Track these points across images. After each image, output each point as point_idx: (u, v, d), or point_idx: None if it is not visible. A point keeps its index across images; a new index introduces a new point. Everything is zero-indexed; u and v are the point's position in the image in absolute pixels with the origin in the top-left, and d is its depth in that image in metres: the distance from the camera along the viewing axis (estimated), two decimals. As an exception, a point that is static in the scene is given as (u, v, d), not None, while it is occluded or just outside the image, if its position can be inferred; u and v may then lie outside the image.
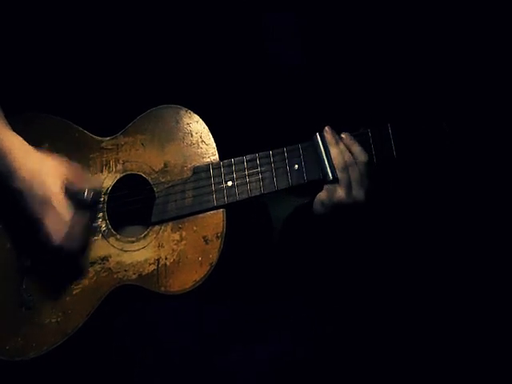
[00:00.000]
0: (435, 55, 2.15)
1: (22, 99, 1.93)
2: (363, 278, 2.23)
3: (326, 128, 1.84)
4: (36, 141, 1.86)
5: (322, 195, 1.84)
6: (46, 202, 1.76)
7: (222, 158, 1.89)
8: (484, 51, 2.08)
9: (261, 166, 1.87)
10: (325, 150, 1.83)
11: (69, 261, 1.85)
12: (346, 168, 1.80)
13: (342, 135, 1.84)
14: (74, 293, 1.87)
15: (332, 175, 1.81)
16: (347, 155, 1.81)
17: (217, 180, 1.87)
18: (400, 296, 2.25)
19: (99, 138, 1.93)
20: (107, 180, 1.90)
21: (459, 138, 1.82)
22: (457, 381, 2.20)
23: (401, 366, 2.19)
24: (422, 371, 2.19)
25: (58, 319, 1.86)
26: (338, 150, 1.81)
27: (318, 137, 1.84)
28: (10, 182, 1.78)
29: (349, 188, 1.80)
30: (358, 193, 1.80)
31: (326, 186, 1.84)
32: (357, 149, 1.81)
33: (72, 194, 1.79)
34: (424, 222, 2.24)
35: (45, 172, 1.78)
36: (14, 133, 1.83)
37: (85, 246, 1.85)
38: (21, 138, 1.82)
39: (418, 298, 2.25)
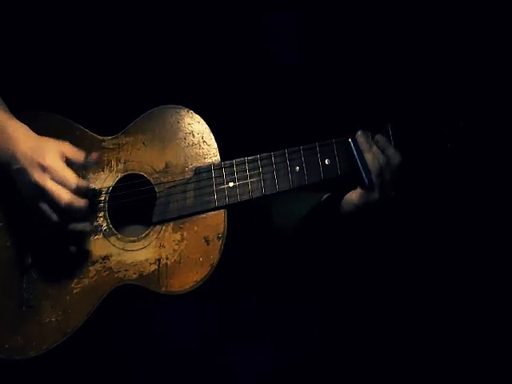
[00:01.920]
0: (436, 57, 2.15)
1: (24, 98, 1.93)
2: (365, 280, 2.24)
3: (359, 132, 1.83)
4: (37, 139, 1.87)
5: (356, 197, 1.84)
6: (46, 169, 1.78)
7: (223, 158, 1.89)
8: (484, 53, 2.09)
9: (262, 167, 1.87)
10: (358, 155, 1.82)
11: (65, 254, 1.84)
12: (380, 172, 1.80)
13: (377, 137, 1.83)
14: (75, 292, 1.87)
15: (368, 181, 1.81)
16: (381, 158, 1.81)
17: (218, 181, 1.87)
18: (401, 298, 2.25)
19: (100, 137, 1.93)
20: (108, 179, 1.90)
21: (459, 139, 1.83)
22: (457, 381, 2.21)
23: (402, 368, 2.20)
24: (422, 373, 2.20)
25: (58, 318, 1.86)
26: (372, 155, 1.81)
27: (351, 142, 1.83)
28: (13, 164, 1.80)
29: (383, 190, 1.81)
30: (391, 193, 1.82)
31: (360, 191, 1.83)
32: (391, 151, 1.81)
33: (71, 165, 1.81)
34: (424, 223, 2.25)
35: (44, 147, 1.80)
36: (18, 122, 1.84)
37: (83, 235, 1.84)
38: (25, 126, 1.84)
39: (420, 300, 2.25)
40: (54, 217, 1.80)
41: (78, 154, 1.82)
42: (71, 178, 1.79)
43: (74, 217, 1.81)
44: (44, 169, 1.78)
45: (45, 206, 1.79)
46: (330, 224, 1.91)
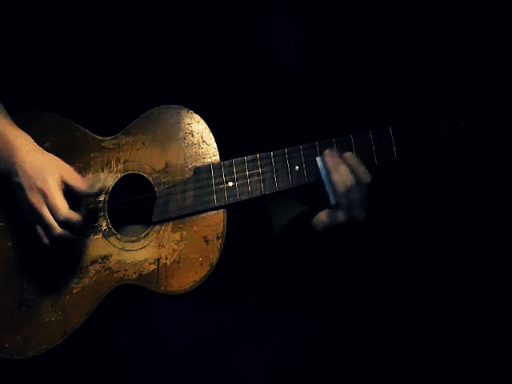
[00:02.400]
0: (437, 58, 2.15)
1: (24, 98, 1.94)
2: (362, 283, 2.23)
3: (326, 152, 1.81)
4: (37, 139, 1.88)
5: (323, 217, 1.82)
6: (43, 193, 1.79)
7: (222, 158, 1.89)
8: (485, 53, 2.08)
9: (261, 166, 1.87)
10: (326, 175, 1.80)
11: (65, 254, 1.85)
12: (347, 192, 1.78)
13: (346, 155, 1.81)
14: (74, 292, 1.87)
15: (334, 200, 1.79)
16: (349, 178, 1.78)
17: (217, 180, 1.87)
18: (398, 300, 2.25)
19: (100, 138, 1.93)
20: (108, 179, 1.91)
21: (460, 140, 1.82)
22: (457, 381, 2.20)
23: (400, 368, 2.19)
24: (421, 374, 2.20)
25: (58, 318, 1.86)
26: (339, 175, 1.78)
27: (319, 161, 1.82)
28: (13, 176, 1.82)
29: (350, 210, 1.78)
30: (359, 213, 1.78)
31: (327, 211, 1.82)
32: (361, 170, 1.79)
33: (68, 193, 1.82)
34: (424, 224, 2.24)
35: (45, 169, 1.81)
36: (19, 129, 1.86)
37: (83, 240, 1.85)
38: (26, 134, 1.85)
39: (417, 303, 2.25)
40: (46, 240, 1.82)
41: (78, 183, 1.83)
42: (62, 209, 1.79)
43: (66, 241, 1.83)
44: (42, 193, 1.79)
45: (39, 229, 1.82)
46: (303, 239, 1.91)
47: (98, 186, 1.86)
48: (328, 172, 1.80)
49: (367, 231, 1.84)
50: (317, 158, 1.83)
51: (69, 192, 1.83)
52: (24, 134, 1.85)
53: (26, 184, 1.80)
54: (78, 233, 1.84)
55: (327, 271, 2.14)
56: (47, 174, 1.80)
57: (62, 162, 1.85)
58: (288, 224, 1.95)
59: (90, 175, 1.91)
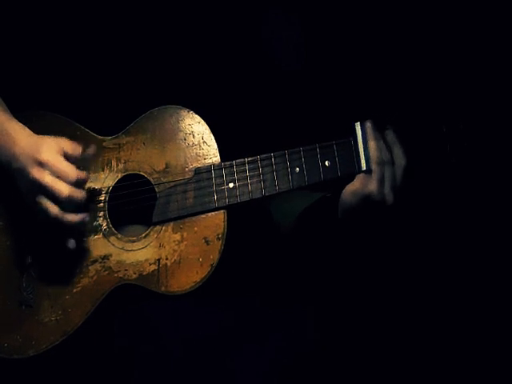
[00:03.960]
0: (436, 59, 2.15)
1: (24, 98, 1.93)
2: (364, 281, 2.24)
3: (369, 121, 1.81)
4: (37, 138, 1.87)
5: (355, 184, 1.82)
6: (44, 164, 1.77)
7: (223, 159, 1.89)
8: (484, 54, 2.09)
9: (262, 167, 1.87)
10: (363, 141, 1.80)
11: (70, 251, 1.85)
12: (381, 163, 1.78)
13: (387, 132, 1.81)
14: (74, 291, 1.87)
15: (366, 165, 1.80)
16: (385, 153, 1.79)
17: (218, 181, 1.88)
18: (400, 299, 2.26)
19: (101, 137, 1.93)
20: (108, 179, 1.91)
21: (459, 141, 1.83)
22: (457, 381, 2.22)
23: (400, 369, 2.20)
24: (422, 374, 2.21)
25: (58, 318, 1.86)
26: (377, 145, 1.79)
27: (358, 126, 1.82)
28: (13, 164, 1.80)
29: (381, 184, 1.78)
30: (389, 193, 1.78)
31: (358, 176, 1.82)
32: (398, 151, 1.80)
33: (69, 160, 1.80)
34: (424, 225, 2.25)
35: (41, 144, 1.79)
36: (19, 122, 1.85)
37: (82, 235, 1.85)
38: (24, 127, 1.84)
39: (419, 301, 2.26)
40: (55, 210, 1.78)
41: (75, 148, 1.81)
42: (70, 170, 1.78)
43: (74, 208, 1.80)
44: (42, 164, 1.77)
45: (44, 201, 1.78)
46: (328, 220, 1.90)
47: (92, 148, 1.85)
48: (365, 138, 1.80)
49: (390, 217, 1.84)
50: (356, 123, 1.82)
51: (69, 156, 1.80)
52: (21, 125, 1.84)
53: (24, 163, 1.78)
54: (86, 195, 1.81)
55: (334, 265, 2.14)
56: (44, 146, 1.78)
57: (57, 137, 1.82)
58: (306, 211, 1.94)
59: (91, 175, 1.90)
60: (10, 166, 1.82)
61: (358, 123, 1.83)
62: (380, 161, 1.79)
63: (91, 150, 1.85)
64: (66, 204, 1.78)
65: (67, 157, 1.80)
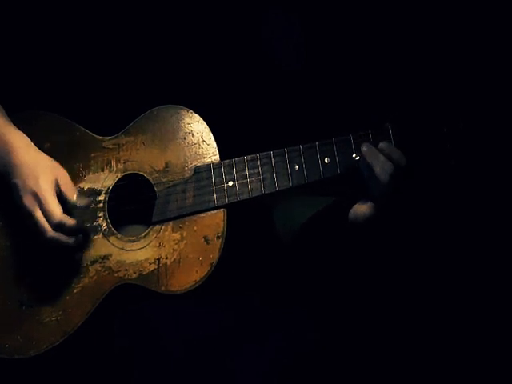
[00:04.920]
0: (436, 59, 2.15)
1: (24, 98, 1.94)
2: (366, 284, 2.23)
3: (364, 149, 1.80)
4: (37, 139, 1.88)
5: (367, 210, 1.82)
6: (37, 196, 1.80)
7: (222, 158, 1.89)
8: (484, 54, 2.08)
9: (261, 166, 1.87)
10: (368, 170, 1.79)
11: (65, 254, 1.86)
12: (390, 181, 1.77)
13: (381, 145, 1.80)
14: (75, 291, 1.87)
15: (378, 192, 1.78)
16: (389, 168, 1.78)
17: (218, 180, 1.87)
18: (400, 299, 2.24)
19: (100, 137, 1.93)
20: (108, 179, 1.91)
21: (459, 140, 1.82)
22: (457, 381, 2.20)
23: (400, 369, 2.19)
24: (422, 375, 2.20)
25: (58, 318, 1.86)
26: (381, 166, 1.78)
27: (361, 161, 1.81)
28: (11, 176, 1.83)
29: (393, 197, 1.79)
30: (401, 197, 1.80)
31: (370, 202, 1.81)
32: (397, 155, 1.79)
33: (59, 196, 1.83)
34: (425, 226, 2.24)
35: (39, 170, 1.82)
36: (17, 129, 1.86)
37: (79, 242, 1.85)
38: (23, 135, 1.86)
39: (419, 301, 2.24)
40: (42, 239, 1.82)
41: (70, 191, 1.84)
42: (56, 212, 1.80)
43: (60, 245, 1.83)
44: (35, 195, 1.80)
45: (34, 229, 1.82)
46: (335, 231, 1.90)
47: (85, 200, 1.86)
48: (369, 167, 1.79)
49: (401, 219, 1.83)
50: (356, 159, 1.82)
51: (61, 195, 1.83)
52: (22, 135, 1.86)
53: (21, 185, 1.81)
54: (72, 236, 1.83)
55: (335, 266, 2.13)
56: (42, 175, 1.81)
57: (58, 165, 1.86)
58: (311, 219, 1.94)
59: (90, 175, 1.91)
60: (8, 176, 1.84)
61: (358, 158, 1.81)
62: (389, 181, 1.78)
63: (83, 201, 1.85)
64: (50, 241, 1.82)
65: (61, 190, 1.82)
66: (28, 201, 1.80)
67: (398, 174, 1.78)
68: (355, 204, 1.84)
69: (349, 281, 2.19)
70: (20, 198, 1.81)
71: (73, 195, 1.83)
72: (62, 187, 1.83)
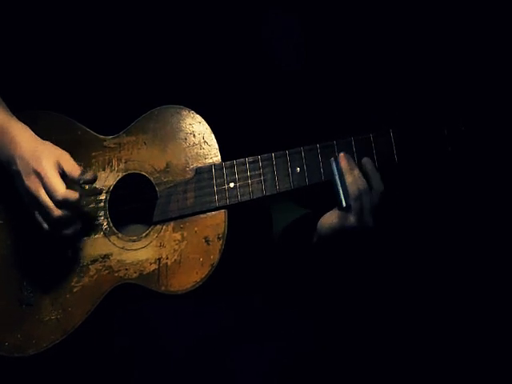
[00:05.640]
0: (437, 60, 2.16)
1: (25, 97, 1.94)
2: (362, 286, 2.25)
3: (341, 155, 1.81)
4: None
5: (331, 218, 1.82)
6: (39, 175, 1.78)
7: (224, 159, 1.89)
8: (485, 57, 2.09)
9: (263, 167, 1.87)
10: (339, 178, 1.79)
11: (66, 252, 1.86)
12: (359, 196, 1.78)
13: (364, 160, 1.82)
14: (75, 290, 1.87)
15: (346, 203, 1.77)
16: (362, 183, 1.79)
17: (219, 181, 1.88)
18: (400, 299, 2.26)
19: (102, 137, 1.93)
20: (109, 179, 1.91)
21: (460, 143, 1.83)
22: (457, 381, 2.22)
23: (400, 368, 2.21)
24: (421, 375, 2.22)
25: (58, 316, 1.86)
26: (353, 178, 1.79)
27: (333, 162, 1.81)
28: (12, 165, 1.82)
29: (360, 215, 1.78)
30: (369, 220, 1.79)
31: (336, 212, 1.81)
32: (376, 177, 1.80)
33: (64, 177, 1.82)
34: (425, 227, 2.25)
35: (41, 152, 1.80)
36: (19, 122, 1.86)
37: (83, 234, 1.86)
38: (25, 126, 1.85)
39: (419, 301, 2.26)
40: (46, 225, 1.82)
41: (73, 168, 1.82)
42: (59, 188, 1.78)
43: (63, 225, 1.82)
44: (38, 175, 1.79)
45: (37, 213, 1.81)
46: (306, 242, 1.91)
47: (90, 173, 1.85)
48: (341, 174, 1.80)
49: (373, 238, 1.84)
50: (331, 160, 1.82)
51: (65, 177, 1.82)
52: (24, 126, 1.85)
53: (22, 169, 1.80)
54: (77, 213, 1.82)
55: (326, 274, 2.15)
56: (43, 156, 1.80)
57: (59, 148, 1.84)
58: (288, 226, 1.96)
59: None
60: (9, 166, 1.83)
61: (332, 159, 1.81)
62: (357, 195, 1.78)
63: (88, 174, 1.85)
64: (56, 222, 1.80)
65: (63, 173, 1.81)
66: (31, 181, 1.79)
67: (369, 195, 1.79)
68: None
69: (346, 282, 2.21)
70: (23, 180, 1.80)
71: (77, 172, 1.82)
72: (66, 167, 1.81)
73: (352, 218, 1.79)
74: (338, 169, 1.81)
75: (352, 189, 1.78)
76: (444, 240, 2.27)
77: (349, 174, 1.79)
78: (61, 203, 1.78)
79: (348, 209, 1.78)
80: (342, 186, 1.79)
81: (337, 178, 1.80)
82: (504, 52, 2.06)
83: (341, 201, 1.78)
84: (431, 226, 2.26)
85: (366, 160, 1.82)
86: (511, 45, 2.06)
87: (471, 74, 2.03)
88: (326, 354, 1.86)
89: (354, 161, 1.82)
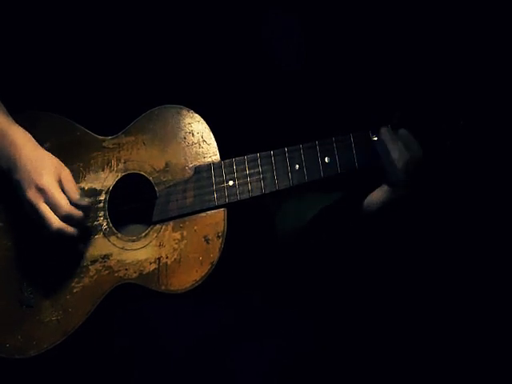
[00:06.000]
0: (436, 57, 2.15)
1: (25, 98, 1.94)
2: (365, 280, 2.23)
3: (384, 130, 1.82)
4: (38, 139, 1.88)
5: (382, 195, 1.84)
6: (41, 190, 1.79)
7: (223, 157, 1.89)
8: (485, 52, 2.08)
9: (262, 165, 1.87)
10: (385, 153, 1.81)
11: (66, 253, 1.86)
12: (407, 168, 1.79)
13: (401, 132, 1.82)
14: (75, 291, 1.87)
15: (394, 177, 1.80)
16: (406, 154, 1.80)
17: (218, 179, 1.88)
18: (401, 299, 2.25)
19: (101, 137, 1.93)
20: (108, 179, 1.91)
21: (459, 137, 1.82)
22: (457, 381, 2.20)
23: (401, 369, 2.19)
24: (422, 375, 2.20)
25: (59, 317, 1.86)
26: (399, 152, 1.80)
27: (376, 140, 1.83)
28: (13, 173, 1.82)
29: (409, 186, 1.81)
30: (416, 187, 1.82)
31: (386, 187, 1.83)
32: (415, 146, 1.81)
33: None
34: (424, 223, 2.24)
35: (43, 166, 1.81)
36: (19, 127, 1.86)
37: (83, 235, 1.86)
38: (26, 132, 1.86)
39: (420, 301, 2.25)
40: (46, 234, 1.82)
41: (73, 191, 1.83)
42: (63, 204, 1.80)
43: (65, 238, 1.83)
44: (39, 189, 1.79)
45: (38, 223, 1.82)
46: (350, 222, 1.90)
47: (87, 200, 1.85)
48: (386, 150, 1.80)
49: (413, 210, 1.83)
50: (374, 138, 1.83)
51: (64, 193, 1.83)
52: (24, 132, 1.86)
53: (24, 180, 1.80)
54: (78, 229, 1.83)
55: (335, 266, 2.14)
56: (45, 171, 1.81)
57: (61, 163, 1.86)
58: (320, 213, 1.94)
59: (91, 175, 1.91)
60: (10, 173, 1.83)
61: (375, 137, 1.83)
62: (406, 168, 1.80)
63: (84, 201, 1.84)
64: (57, 234, 1.81)
65: (64, 188, 1.82)
66: (32, 194, 1.79)
67: (413, 163, 1.80)
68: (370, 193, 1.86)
69: (351, 281, 2.19)
70: (24, 192, 1.80)
71: (75, 194, 1.83)
72: (65, 185, 1.83)
73: (402, 191, 1.81)
74: (381, 146, 1.81)
75: (399, 163, 1.79)
76: (442, 237, 2.25)
77: (394, 150, 1.80)
78: (65, 218, 1.80)
79: (398, 183, 1.80)
80: (389, 162, 1.80)
81: (383, 155, 1.81)
82: (502, 48, 2.04)
83: (389, 177, 1.80)
84: (430, 222, 2.24)
85: (402, 131, 1.83)
86: (509, 41, 2.04)
87: (470, 69, 2.02)
88: (326, 354, 1.85)
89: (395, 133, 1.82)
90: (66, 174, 1.84)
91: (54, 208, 1.79)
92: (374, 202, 1.85)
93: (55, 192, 1.80)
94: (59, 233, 1.80)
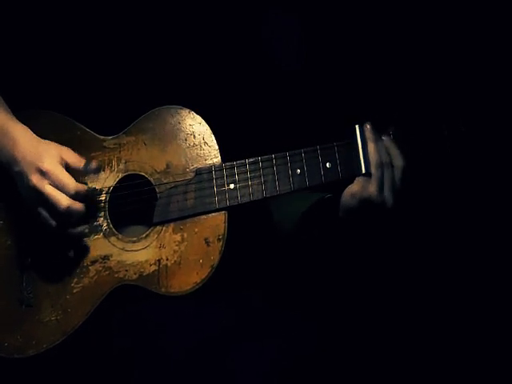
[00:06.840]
0: (437, 61, 2.16)
1: (25, 97, 1.93)
2: (365, 282, 2.25)
3: (368, 124, 1.83)
4: (38, 137, 1.86)
5: (354, 187, 1.82)
6: (45, 173, 1.78)
7: (224, 160, 1.89)
8: (486, 58, 2.10)
9: (263, 169, 1.87)
10: (362, 144, 1.81)
11: (70, 251, 1.86)
12: (380, 166, 1.80)
13: (384, 138, 1.83)
14: (75, 291, 1.87)
15: (366, 169, 1.80)
16: (384, 155, 1.81)
17: (219, 182, 1.88)
18: (401, 300, 2.27)
19: (101, 137, 1.93)
20: (109, 179, 1.91)
21: (460, 143, 1.83)
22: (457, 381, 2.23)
23: (401, 370, 2.21)
24: (422, 376, 2.22)
25: (58, 317, 1.86)
26: (376, 148, 1.81)
27: (357, 129, 1.83)
28: (13, 166, 1.81)
29: (381, 187, 1.79)
30: (388, 195, 1.80)
31: (358, 179, 1.82)
32: (395, 152, 1.82)
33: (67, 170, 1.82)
34: (425, 227, 2.26)
35: (43, 151, 1.80)
36: (19, 122, 1.85)
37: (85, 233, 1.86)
38: (25, 127, 1.85)
39: (420, 303, 2.27)
40: (53, 221, 1.81)
41: (77, 160, 1.83)
42: (70, 182, 1.79)
43: (73, 221, 1.82)
44: (43, 173, 1.78)
45: (43, 211, 1.81)
46: (329, 219, 1.91)
47: (95, 163, 1.85)
48: (364, 141, 1.81)
49: (389, 219, 1.84)
50: (355, 126, 1.83)
51: (69, 168, 1.82)
52: (23, 127, 1.85)
53: (25, 169, 1.79)
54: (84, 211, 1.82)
55: (335, 266, 2.15)
56: (46, 155, 1.80)
57: (59, 145, 1.84)
58: (307, 211, 1.94)
59: (91, 175, 1.90)
60: (10, 167, 1.82)
61: (357, 125, 1.83)
62: (379, 164, 1.80)
63: (93, 163, 1.84)
64: (65, 215, 1.80)
65: (68, 167, 1.81)
66: (36, 179, 1.78)
67: (389, 168, 1.80)
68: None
69: (348, 280, 2.21)
70: (26, 181, 1.79)
71: (81, 163, 1.83)
72: (69, 160, 1.82)
73: (372, 187, 1.80)
74: (361, 134, 1.82)
75: (374, 157, 1.80)
76: (443, 240, 2.27)
77: (373, 143, 1.81)
78: (73, 196, 1.79)
79: (368, 175, 1.80)
80: (363, 152, 1.81)
81: (359, 144, 1.82)
82: (504, 53, 2.06)
83: (360, 167, 1.81)
84: (431, 226, 2.26)
85: (384, 137, 1.84)
86: (511, 45, 2.05)
87: (471, 74, 2.03)
88: (327, 356, 1.87)
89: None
90: (66, 150, 1.83)
91: (61, 188, 1.78)
92: (346, 195, 1.85)
93: (59, 173, 1.79)
94: (69, 211, 1.79)
